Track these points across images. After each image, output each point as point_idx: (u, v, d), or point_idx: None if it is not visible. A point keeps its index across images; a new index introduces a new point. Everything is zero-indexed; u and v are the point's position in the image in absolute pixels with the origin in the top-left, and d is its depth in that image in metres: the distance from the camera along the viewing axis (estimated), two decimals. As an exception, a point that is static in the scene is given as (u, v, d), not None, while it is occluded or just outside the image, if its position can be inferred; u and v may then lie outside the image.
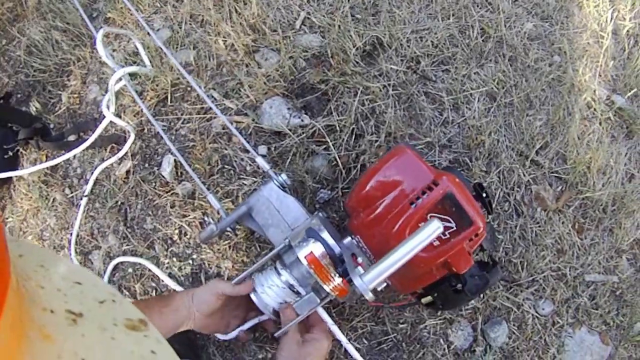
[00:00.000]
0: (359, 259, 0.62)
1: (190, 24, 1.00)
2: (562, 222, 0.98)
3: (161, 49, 1.00)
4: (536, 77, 0.98)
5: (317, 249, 0.59)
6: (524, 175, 0.94)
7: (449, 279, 0.61)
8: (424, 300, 0.66)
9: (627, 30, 1.14)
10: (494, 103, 0.94)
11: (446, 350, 0.90)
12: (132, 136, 0.95)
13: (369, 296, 0.51)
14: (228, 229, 0.74)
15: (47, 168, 1.07)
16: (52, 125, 1.12)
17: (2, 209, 1.15)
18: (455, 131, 0.90)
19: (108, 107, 0.96)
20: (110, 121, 0.94)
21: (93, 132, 0.98)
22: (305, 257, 0.58)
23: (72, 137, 1.09)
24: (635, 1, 1.14)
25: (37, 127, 1.08)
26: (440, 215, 0.58)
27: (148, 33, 1.03)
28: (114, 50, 1.06)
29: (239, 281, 0.65)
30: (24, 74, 1.16)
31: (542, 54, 1.01)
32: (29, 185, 1.09)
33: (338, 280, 0.59)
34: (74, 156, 1.05)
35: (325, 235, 0.60)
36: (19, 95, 1.13)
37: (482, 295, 0.94)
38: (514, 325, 0.94)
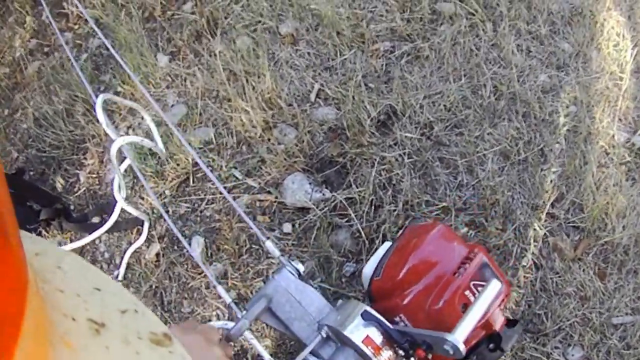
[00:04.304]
0: None
1: (205, 100, 1.47)
2: (583, 270, 1.46)
3: (178, 127, 1.48)
4: (550, 130, 1.46)
5: (372, 332, 0.86)
6: (540, 228, 1.42)
7: (484, 341, 0.99)
8: (465, 364, 1.09)
9: (651, 65, 1.61)
10: (508, 161, 1.41)
11: (479, 404, 1.39)
12: (146, 225, 1.39)
13: (462, 347, 0.78)
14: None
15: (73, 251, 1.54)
16: (72, 207, 1.57)
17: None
18: (470, 193, 1.38)
19: (120, 191, 1.38)
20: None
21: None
22: (362, 341, 0.86)
23: (95, 219, 1.54)
24: (660, 30, 1.60)
25: (58, 207, 1.51)
26: (479, 282, 1.03)
27: (163, 111, 1.50)
28: (128, 128, 1.53)
29: None
30: (35, 149, 1.63)
31: (556, 106, 1.48)
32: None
33: (387, 354, 0.89)
34: (100, 239, 1.51)
35: (379, 317, 0.88)
36: (31, 172, 1.60)
37: (510, 350, 1.42)
38: (544, 374, 1.42)
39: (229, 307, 1.36)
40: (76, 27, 1.95)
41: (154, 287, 1.41)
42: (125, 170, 1.48)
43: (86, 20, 1.96)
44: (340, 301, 0.92)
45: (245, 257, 1.35)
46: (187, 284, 1.37)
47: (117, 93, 1.55)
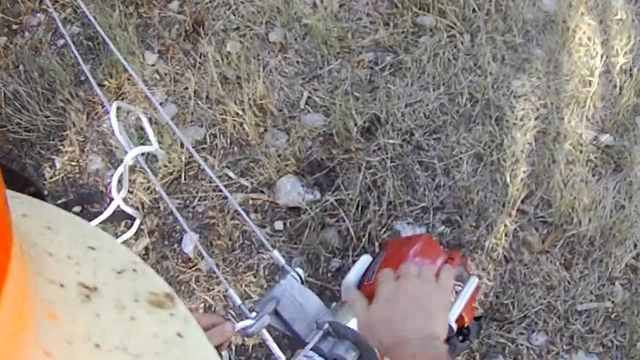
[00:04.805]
0: None
1: (196, 100, 1.75)
2: (550, 261, 1.78)
3: (170, 126, 1.76)
4: (521, 132, 1.75)
5: None
6: (511, 224, 1.73)
7: (456, 334, 1.32)
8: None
9: (621, 66, 1.89)
10: (481, 163, 1.71)
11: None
12: (138, 221, 1.65)
13: (454, 325, 1.01)
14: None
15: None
16: (46, 192, 1.77)
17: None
18: (446, 194, 1.69)
19: (118, 190, 1.64)
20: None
21: (99, 205, 1.69)
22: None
23: (76, 209, 1.79)
24: (630, 34, 1.91)
25: (30, 191, 1.54)
26: (457, 282, 1.37)
27: (154, 108, 1.79)
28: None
29: None
30: (2, 127, 1.71)
31: (528, 110, 1.77)
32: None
33: None
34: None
35: None
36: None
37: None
38: (510, 358, 1.76)
39: (220, 300, 1.68)
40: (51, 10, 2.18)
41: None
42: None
43: (63, 4, 2.20)
44: (334, 304, 1.15)
45: (237, 252, 1.59)
46: (176, 278, 1.56)
47: (101, 86, 1.74)
